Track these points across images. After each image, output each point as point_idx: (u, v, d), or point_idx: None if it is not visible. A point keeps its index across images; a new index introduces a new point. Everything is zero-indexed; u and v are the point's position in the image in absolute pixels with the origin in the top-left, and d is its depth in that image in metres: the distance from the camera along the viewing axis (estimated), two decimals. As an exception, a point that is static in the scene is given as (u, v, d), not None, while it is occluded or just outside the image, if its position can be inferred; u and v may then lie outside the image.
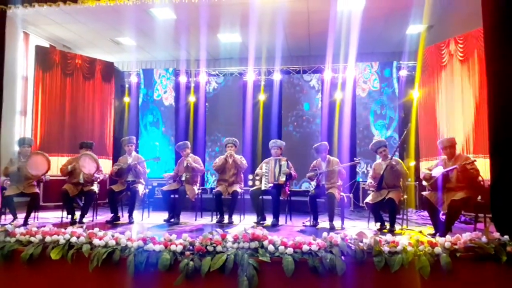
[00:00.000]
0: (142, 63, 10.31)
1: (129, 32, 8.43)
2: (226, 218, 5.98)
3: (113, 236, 3.45)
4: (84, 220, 5.81)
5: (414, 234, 3.86)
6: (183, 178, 6.09)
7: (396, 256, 3.11)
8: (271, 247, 3.19)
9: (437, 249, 3.15)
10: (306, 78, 9.14)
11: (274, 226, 5.63)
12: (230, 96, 9.44)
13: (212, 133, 9.47)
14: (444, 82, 7.40)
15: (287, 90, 9.24)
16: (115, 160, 8.03)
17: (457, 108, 7.06)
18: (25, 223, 5.24)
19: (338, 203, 5.72)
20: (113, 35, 8.59)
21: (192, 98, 9.65)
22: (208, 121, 9.53)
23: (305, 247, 3.17)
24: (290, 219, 6.14)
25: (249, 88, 9.23)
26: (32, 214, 5.73)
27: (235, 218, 6.09)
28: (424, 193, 5.06)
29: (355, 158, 6.56)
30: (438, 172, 4.91)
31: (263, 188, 5.93)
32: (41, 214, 6.33)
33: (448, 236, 3.30)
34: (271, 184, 5.89)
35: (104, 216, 6.41)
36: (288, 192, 6.02)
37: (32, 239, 3.53)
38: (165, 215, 6.10)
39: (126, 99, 9.94)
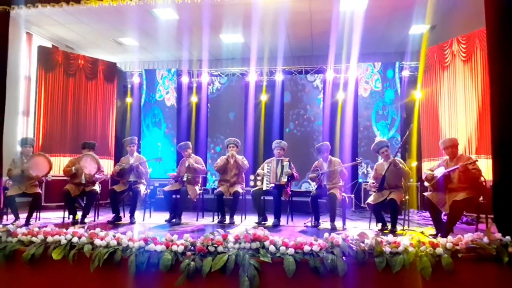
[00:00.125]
0: (145, 64, 10.33)
1: (131, 32, 8.45)
2: (227, 219, 5.97)
3: (114, 236, 3.46)
4: (86, 220, 5.82)
5: (415, 235, 3.84)
6: (185, 179, 6.09)
7: (397, 257, 3.10)
8: (272, 248, 3.19)
9: (439, 250, 3.14)
10: (310, 79, 9.13)
11: (276, 226, 5.62)
12: (232, 97, 9.45)
13: (214, 134, 9.47)
14: (447, 82, 7.38)
15: (290, 89, 9.23)
16: (117, 160, 8.04)
17: (459, 109, 7.04)
18: (27, 223, 5.26)
19: (339, 204, 5.71)
20: (115, 35, 8.62)
21: (194, 99, 9.65)
22: (210, 122, 9.54)
23: (307, 248, 3.17)
24: (292, 220, 6.14)
25: (251, 89, 9.23)
26: (34, 214, 5.74)
27: (237, 218, 6.09)
28: (425, 193, 5.04)
29: (357, 158, 6.54)
30: (440, 172, 4.90)
31: (264, 188, 5.92)
32: (43, 214, 6.35)
33: (449, 237, 3.29)
34: (273, 185, 5.89)
35: (106, 216, 6.41)
36: (290, 193, 6.01)
37: (34, 239, 3.54)
38: (166, 215, 6.10)
39: (129, 100, 9.95)
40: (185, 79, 9.63)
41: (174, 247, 3.24)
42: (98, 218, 6.25)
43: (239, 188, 6.08)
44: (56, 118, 8.39)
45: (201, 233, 4.90)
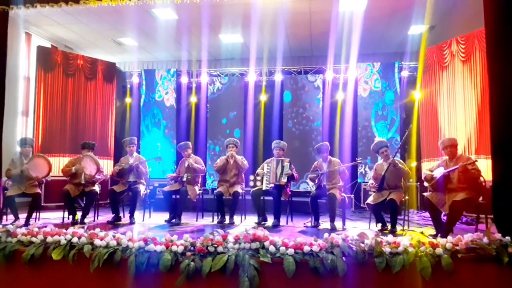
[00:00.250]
0: (144, 64, 10.33)
1: (131, 32, 8.44)
2: (227, 219, 5.97)
3: (114, 236, 3.46)
4: (86, 220, 5.82)
5: (415, 235, 3.84)
6: (184, 179, 6.09)
7: (397, 257, 3.10)
8: (272, 248, 3.19)
9: (439, 250, 3.15)
10: (311, 79, 9.12)
11: (275, 226, 5.62)
12: (231, 97, 9.45)
13: (213, 134, 9.47)
14: (446, 82, 7.39)
15: (289, 88, 9.23)
16: (116, 160, 8.04)
17: (459, 109, 7.05)
18: (27, 224, 5.26)
19: (339, 204, 5.71)
20: (115, 35, 8.61)
21: (193, 99, 9.65)
22: (209, 122, 9.53)
23: (306, 248, 3.17)
24: (291, 220, 6.14)
25: (251, 89, 9.22)
26: (34, 215, 5.74)
27: (236, 218, 6.08)
28: (425, 194, 5.05)
29: (356, 158, 6.55)
30: (439, 173, 4.90)
31: (264, 188, 5.92)
32: (43, 215, 6.34)
33: (449, 237, 3.30)
34: (272, 185, 5.89)
35: (105, 216, 6.41)
36: (289, 193, 6.01)
37: (34, 239, 3.54)
38: (166, 215, 6.10)
39: (128, 100, 9.94)
40: (184, 79, 9.62)
41: (174, 248, 3.24)
42: (97, 218, 6.24)
43: (238, 188, 6.07)
44: (56, 118, 8.39)
45: (201, 233, 4.91)
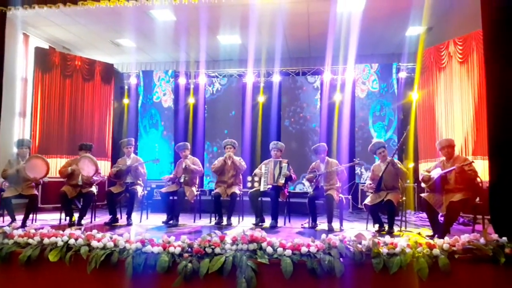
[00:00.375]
0: (142, 65, 10.32)
1: (129, 33, 8.44)
2: (224, 220, 5.97)
3: (111, 238, 3.45)
4: (83, 222, 5.80)
5: (412, 236, 3.85)
6: (182, 180, 6.08)
7: (394, 258, 3.11)
8: (269, 249, 3.19)
9: (436, 251, 3.15)
10: (310, 80, 9.12)
11: (273, 227, 5.62)
12: (230, 98, 9.45)
13: (211, 135, 9.46)
14: (444, 83, 7.41)
15: (287, 86, 9.23)
16: (114, 161, 8.02)
17: (456, 110, 7.07)
18: (23, 225, 5.22)
19: (336, 205, 5.72)
20: (113, 36, 8.60)
21: (191, 100, 9.65)
22: (207, 123, 9.53)
23: (304, 249, 3.17)
24: (289, 221, 6.13)
25: (249, 90, 9.23)
26: (31, 216, 5.71)
27: (234, 219, 6.09)
28: (422, 194, 5.05)
29: (354, 159, 6.56)
30: (436, 173, 4.91)
31: (261, 189, 5.93)
32: (40, 216, 6.32)
33: (446, 238, 3.31)
34: (270, 186, 5.89)
35: (103, 218, 6.40)
36: (287, 194, 6.01)
37: (30, 241, 3.53)
38: (163, 217, 6.09)
39: (126, 101, 9.94)
40: (182, 81, 9.61)
41: (171, 249, 3.24)
42: (95, 220, 6.23)
43: (236, 190, 6.07)
44: (53, 119, 8.36)
45: (198, 234, 4.90)
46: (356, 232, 3.49)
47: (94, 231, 3.58)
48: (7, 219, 5.60)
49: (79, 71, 8.81)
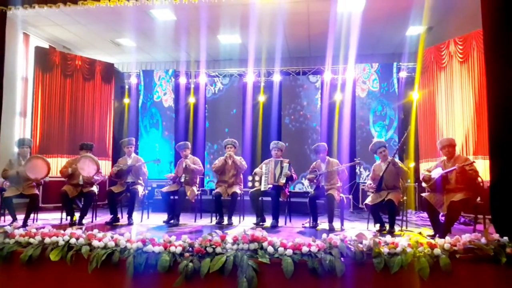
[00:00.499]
0: (142, 64, 10.32)
1: (129, 33, 8.44)
2: (225, 220, 5.97)
3: (112, 237, 3.45)
4: (84, 221, 5.80)
5: (413, 236, 3.85)
6: (182, 180, 6.08)
7: (395, 258, 3.11)
8: (270, 249, 3.19)
9: (437, 251, 3.15)
10: (312, 80, 9.11)
11: (274, 227, 5.62)
12: (230, 97, 9.45)
13: (212, 134, 9.46)
14: (444, 83, 7.41)
15: (288, 84, 9.23)
16: (114, 161, 8.03)
17: (456, 109, 7.07)
18: (24, 225, 5.20)
19: (337, 205, 5.72)
20: (113, 36, 8.60)
21: (192, 99, 9.65)
22: (208, 122, 9.52)
23: (305, 249, 3.17)
24: (290, 221, 6.13)
25: (249, 89, 9.23)
26: (32, 216, 5.71)
27: (235, 219, 6.08)
28: (423, 194, 5.05)
29: (355, 159, 6.56)
30: (437, 173, 4.91)
31: (262, 189, 5.93)
32: (41, 216, 6.32)
33: (447, 238, 3.31)
34: (271, 185, 5.89)
35: (104, 217, 6.40)
36: (288, 194, 6.01)
37: (31, 240, 3.53)
38: (164, 216, 6.09)
39: (126, 100, 9.94)
40: (182, 80, 9.61)
41: (172, 248, 3.24)
42: (96, 219, 6.22)
43: (237, 189, 6.07)
44: (54, 119, 8.37)
45: (199, 234, 4.90)
46: (357, 231, 3.49)
47: (95, 231, 3.59)
48: (8, 218, 5.61)
49: (80, 70, 8.82)
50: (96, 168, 5.90)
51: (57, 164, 7.99)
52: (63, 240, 3.45)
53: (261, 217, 5.90)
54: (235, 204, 6.03)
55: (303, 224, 5.84)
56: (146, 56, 9.98)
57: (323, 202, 5.79)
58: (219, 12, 7.16)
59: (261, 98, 9.35)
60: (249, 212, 6.42)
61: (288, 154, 7.54)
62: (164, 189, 6.15)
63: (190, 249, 3.28)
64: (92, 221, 6.09)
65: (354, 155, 8.36)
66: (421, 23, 7.45)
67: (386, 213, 5.44)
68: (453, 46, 7.23)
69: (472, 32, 6.80)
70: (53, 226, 3.90)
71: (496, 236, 3.31)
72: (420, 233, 5.11)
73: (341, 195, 5.76)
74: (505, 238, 3.24)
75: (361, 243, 3.23)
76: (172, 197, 6.08)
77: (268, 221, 5.87)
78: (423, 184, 5.11)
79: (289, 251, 3.15)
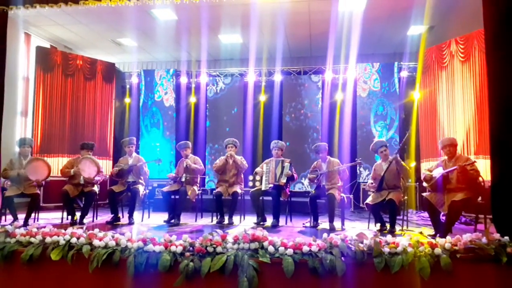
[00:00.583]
0: (143, 64, 10.33)
1: (130, 33, 8.44)
2: (226, 219, 5.97)
3: (113, 237, 3.45)
4: (84, 221, 5.81)
5: (414, 235, 3.85)
6: (183, 179, 6.08)
7: (396, 257, 3.10)
8: (271, 248, 3.19)
9: (437, 250, 3.15)
10: (314, 79, 9.11)
11: (274, 227, 5.62)
12: (232, 97, 9.45)
13: (213, 133, 9.46)
14: (445, 83, 7.40)
15: (289, 83, 9.23)
16: (115, 161, 8.03)
17: (458, 109, 7.06)
18: (25, 224, 5.24)
19: (338, 204, 5.71)
20: (114, 36, 8.61)
21: (193, 99, 9.65)
22: (209, 122, 9.53)
23: (305, 248, 3.17)
24: (290, 220, 6.14)
25: (250, 89, 9.23)
26: (33, 215, 5.72)
27: (235, 219, 6.09)
28: (424, 194, 5.05)
29: (356, 159, 6.55)
30: (438, 173, 4.90)
31: (263, 188, 5.93)
32: (42, 215, 6.33)
33: (448, 237, 3.30)
34: (271, 185, 5.89)
35: (105, 217, 6.41)
36: (289, 193, 6.01)
37: (32, 240, 3.53)
38: (165, 216, 6.09)
39: (127, 100, 9.95)
40: (183, 80, 9.62)
41: (173, 248, 3.24)
42: (96, 219, 6.24)
43: (238, 189, 6.07)
44: (55, 118, 8.39)
45: (200, 233, 4.90)
46: (357, 231, 3.49)
47: (96, 230, 3.59)
48: (9, 218, 5.61)
49: (81, 70, 8.83)
50: (97, 169, 5.91)
51: (58, 164, 8.00)
52: (64, 239, 3.45)
53: (261, 216, 5.90)
54: (235, 204, 6.04)
55: (303, 224, 5.83)
56: (147, 56, 9.99)
57: (324, 201, 5.78)
58: (220, 12, 7.16)
59: (262, 97, 9.35)
60: (250, 211, 6.42)
61: (289, 154, 7.54)
62: (165, 189, 6.15)
63: (191, 248, 3.27)
64: (93, 221, 6.10)
65: (354, 155, 8.35)
66: (422, 23, 7.44)
67: (387, 213, 5.43)
68: (454, 45, 7.23)
69: (473, 32, 6.79)
70: (54, 225, 3.90)
71: (497, 235, 3.30)
72: (421, 232, 5.11)
73: (342, 194, 5.76)
74: (506, 237, 3.23)
75: (361, 242, 3.23)
76: (172, 197, 6.09)
77: (269, 220, 5.87)
78: (424, 184, 5.11)
79: (290, 251, 3.14)
